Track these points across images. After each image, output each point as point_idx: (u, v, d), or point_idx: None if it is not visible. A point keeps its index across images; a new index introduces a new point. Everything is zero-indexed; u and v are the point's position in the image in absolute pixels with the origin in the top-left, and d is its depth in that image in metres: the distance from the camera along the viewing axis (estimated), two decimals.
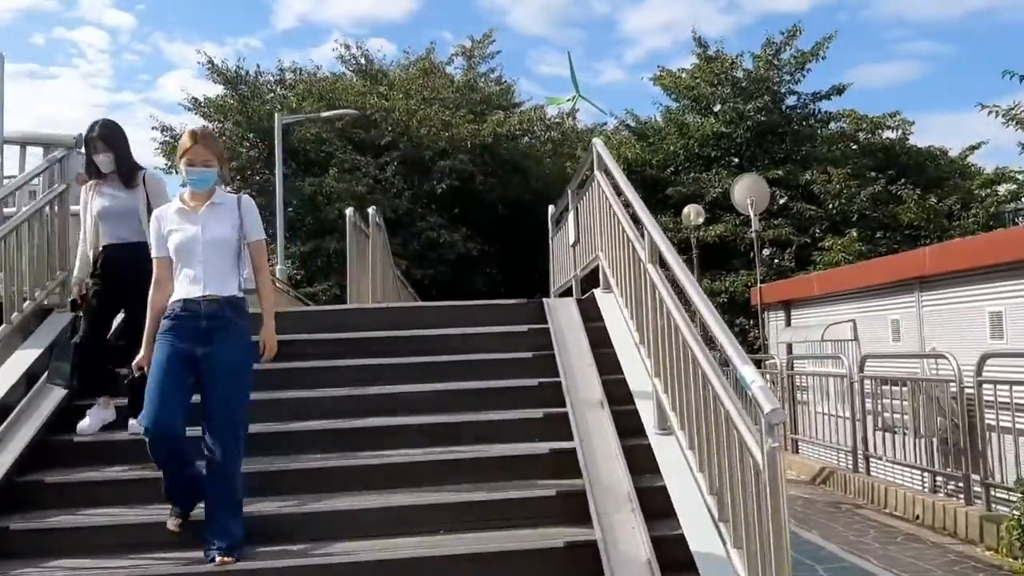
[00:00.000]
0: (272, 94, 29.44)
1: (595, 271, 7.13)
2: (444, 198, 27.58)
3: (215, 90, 28.86)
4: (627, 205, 5.66)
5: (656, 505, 4.21)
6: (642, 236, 5.01)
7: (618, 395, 5.24)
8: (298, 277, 26.46)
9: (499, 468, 4.73)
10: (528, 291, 34.94)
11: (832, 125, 24.38)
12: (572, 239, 8.16)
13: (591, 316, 6.34)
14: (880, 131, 23.84)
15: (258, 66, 30.52)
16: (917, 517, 8.82)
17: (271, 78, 30.35)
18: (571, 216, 8.24)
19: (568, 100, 36.96)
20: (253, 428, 4.97)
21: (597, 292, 6.67)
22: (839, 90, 23.45)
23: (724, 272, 20.54)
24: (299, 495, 4.50)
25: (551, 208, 10.72)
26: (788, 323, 14.99)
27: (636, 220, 5.55)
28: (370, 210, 10.42)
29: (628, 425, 4.93)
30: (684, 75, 24.33)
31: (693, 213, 17.34)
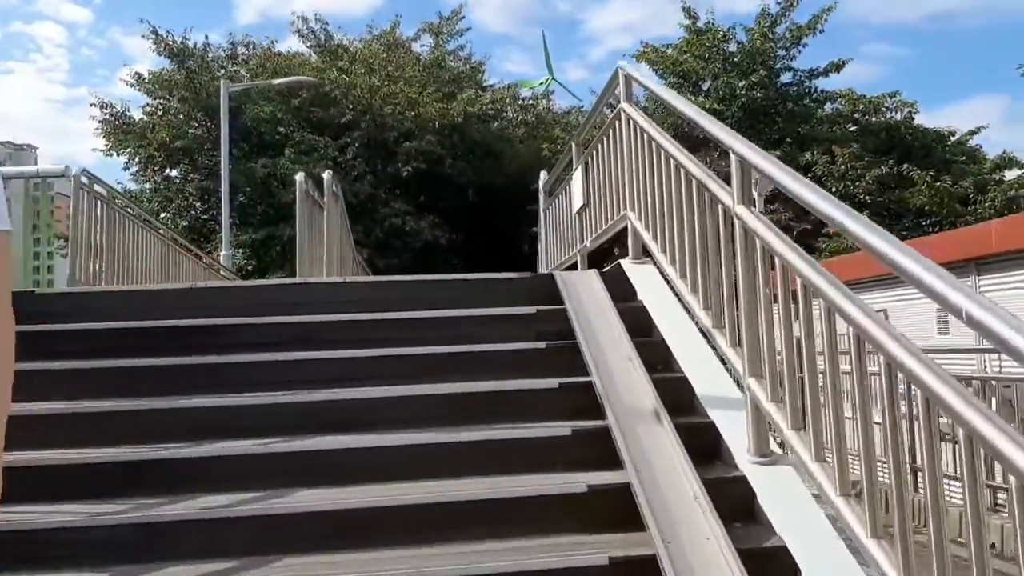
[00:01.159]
0: (223, 70, 27.50)
1: (615, 240, 5.62)
2: (409, 182, 25.90)
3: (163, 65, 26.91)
4: (686, 142, 4.13)
5: None
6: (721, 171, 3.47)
7: (676, 401, 3.70)
8: (249, 268, 24.67)
9: (512, 520, 3.14)
10: None
11: (828, 106, 23.05)
12: (579, 203, 6.59)
13: (620, 294, 4.78)
14: (879, 112, 22.53)
15: (206, 37, 28.61)
16: (993, 546, 7.36)
17: (222, 52, 28.45)
18: (577, 175, 6.68)
19: (541, 83, 35.29)
20: (122, 454, 3.38)
21: (626, 262, 5.11)
22: (837, 66, 22.11)
23: None
24: (196, 562, 2.88)
25: (543, 175, 9.17)
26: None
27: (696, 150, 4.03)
28: (325, 175, 8.77)
29: (698, 445, 3.38)
30: (671, 50, 22.82)
31: None
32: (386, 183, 25.97)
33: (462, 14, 30.87)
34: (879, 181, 18.86)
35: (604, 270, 5.23)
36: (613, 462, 3.35)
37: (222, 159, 17.34)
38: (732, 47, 21.79)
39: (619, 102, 5.18)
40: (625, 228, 5.24)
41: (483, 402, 3.90)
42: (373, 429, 3.68)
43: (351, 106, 25.67)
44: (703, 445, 3.44)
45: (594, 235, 6.10)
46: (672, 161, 4.15)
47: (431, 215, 25.64)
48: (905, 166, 19.21)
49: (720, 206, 3.49)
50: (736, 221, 3.21)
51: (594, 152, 6.09)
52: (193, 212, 27.52)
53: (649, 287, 4.78)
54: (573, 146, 7.01)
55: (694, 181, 3.81)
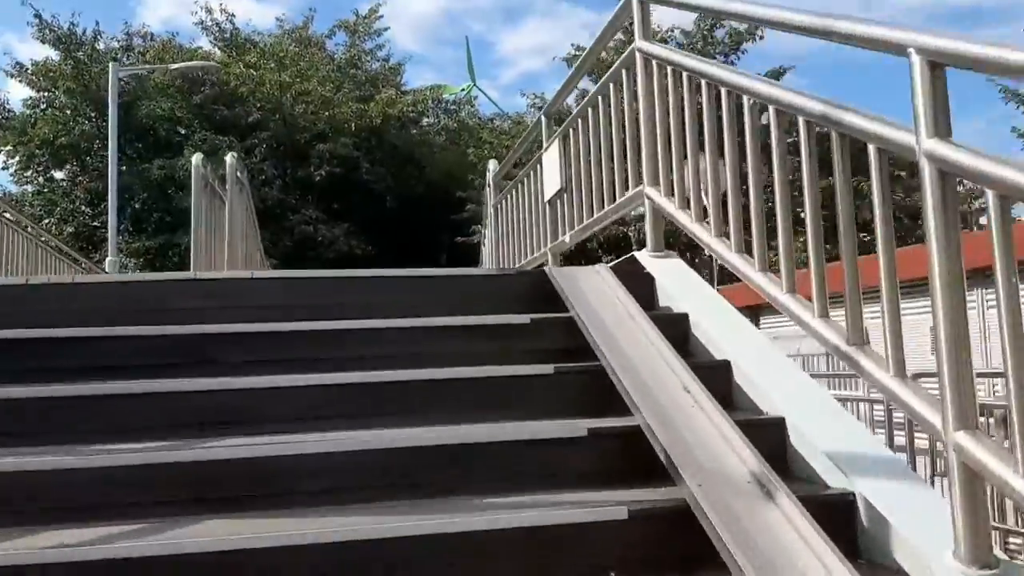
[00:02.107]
0: (117, 61, 25.39)
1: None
2: (322, 188, 24.30)
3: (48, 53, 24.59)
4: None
5: None
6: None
7: (768, 457, 2.40)
8: None
9: None
10: None
11: (764, 116, 22.30)
12: (553, 188, 5.31)
13: (638, 298, 3.48)
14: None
15: (97, 24, 26.50)
16: None
17: (116, 44, 26.32)
18: (551, 153, 5.40)
19: (463, 89, 34.09)
20: None
21: (644, 255, 3.83)
22: (777, 75, 21.43)
23: None
24: None
25: (492, 164, 7.86)
26: None
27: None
28: (228, 158, 7.32)
29: (828, 532, 2.07)
30: (609, 53, 21.72)
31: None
32: (297, 189, 24.34)
33: (380, 13, 29.41)
34: (824, 194, 18.05)
35: (611, 265, 3.92)
36: (708, 563, 2.04)
37: (109, 152, 15.45)
38: None
39: (635, 38, 3.93)
40: (643, 215, 3.98)
41: (469, 459, 2.54)
42: (293, 506, 2.30)
43: (259, 104, 23.97)
44: (835, 533, 2.15)
45: (581, 224, 4.81)
46: (747, 102, 2.91)
47: (346, 223, 24.08)
48: (857, 178, 18.50)
49: (872, 150, 2.23)
50: (926, 166, 1.94)
51: (580, 120, 4.82)
52: (81, 217, 25.30)
53: (684, 288, 3.51)
54: (543, 119, 5.76)
55: (802, 120, 2.56)
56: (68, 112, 23.97)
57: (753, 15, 3.01)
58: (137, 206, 24.15)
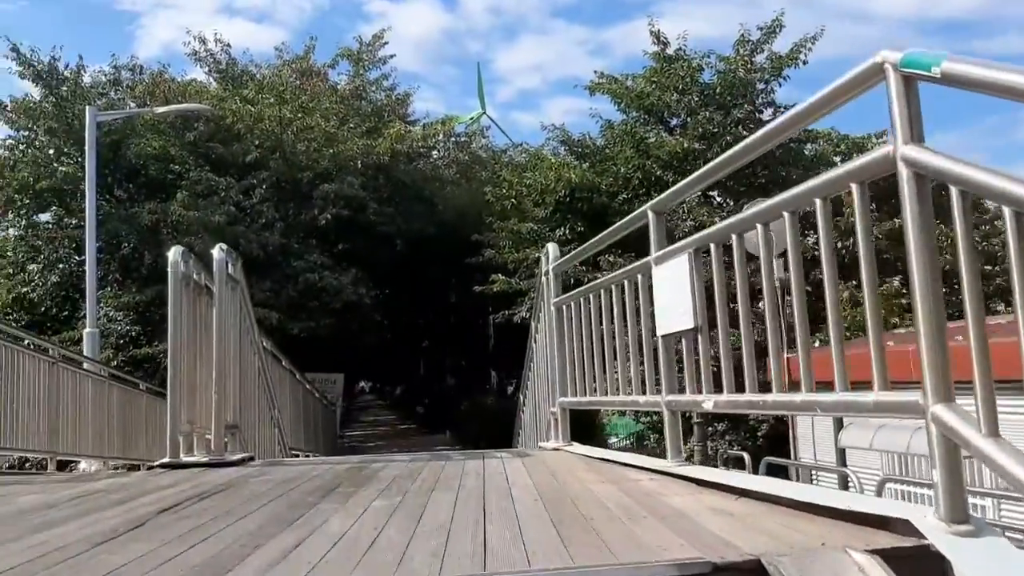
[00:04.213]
0: (104, 97, 23.85)
1: None
2: (328, 231, 22.72)
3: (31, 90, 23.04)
4: None
5: None
6: None
7: None
8: (132, 333, 21.00)
9: None
10: (439, 347, 30.15)
11: (809, 146, 20.73)
12: (679, 323, 3.75)
13: None
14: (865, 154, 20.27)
15: (80, 58, 24.97)
16: None
17: (103, 77, 24.78)
18: (673, 270, 3.86)
19: (472, 118, 32.66)
20: None
21: (932, 528, 2.20)
22: None
23: None
24: None
25: (551, 249, 6.31)
26: (841, 420, 10.86)
27: None
28: (216, 251, 5.76)
29: None
30: (638, 81, 20.15)
31: None
32: (299, 231, 22.75)
33: (384, 39, 28.00)
34: (888, 236, 16.38)
35: (900, 545, 2.30)
36: None
37: (87, 204, 13.88)
38: (707, 77, 19.29)
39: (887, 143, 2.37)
40: None
41: None
42: None
43: (258, 142, 22.41)
44: None
45: (744, 397, 3.22)
46: None
47: (354, 269, 22.48)
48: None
49: None
50: None
51: (737, 238, 3.26)
52: (65, 266, 23.62)
53: None
54: (651, 216, 4.16)
55: None
56: (50, 153, 22.42)
57: None
58: (126, 252, 22.50)
